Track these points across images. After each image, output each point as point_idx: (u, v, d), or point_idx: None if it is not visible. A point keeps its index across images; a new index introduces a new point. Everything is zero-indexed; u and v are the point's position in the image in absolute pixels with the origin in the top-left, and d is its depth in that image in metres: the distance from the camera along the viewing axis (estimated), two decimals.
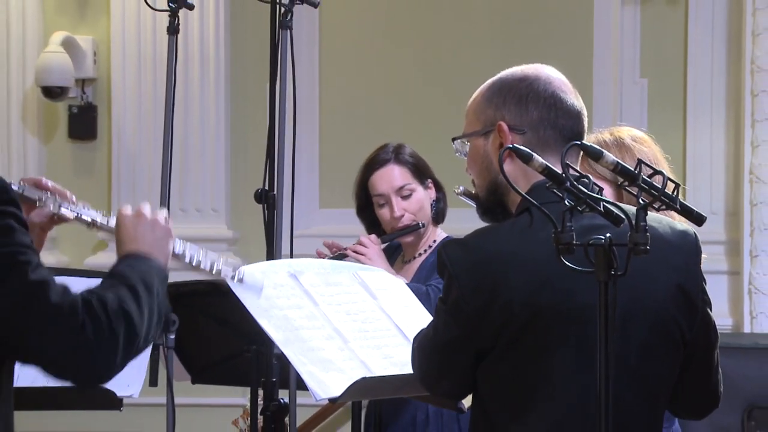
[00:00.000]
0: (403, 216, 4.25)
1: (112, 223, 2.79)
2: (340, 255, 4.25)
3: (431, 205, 4.29)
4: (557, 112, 2.73)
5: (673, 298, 2.69)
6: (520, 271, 2.60)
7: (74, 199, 2.88)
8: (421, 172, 4.29)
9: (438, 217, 4.33)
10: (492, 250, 2.63)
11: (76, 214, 2.85)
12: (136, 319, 2.53)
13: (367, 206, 4.35)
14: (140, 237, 2.71)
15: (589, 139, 3.04)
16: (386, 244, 4.31)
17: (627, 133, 3.40)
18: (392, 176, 4.28)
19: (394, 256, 4.38)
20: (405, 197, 4.27)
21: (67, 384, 2.53)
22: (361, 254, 4.22)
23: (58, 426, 5.89)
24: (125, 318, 2.51)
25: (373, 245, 4.25)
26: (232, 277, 3.04)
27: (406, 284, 3.70)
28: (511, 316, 2.59)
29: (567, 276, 2.38)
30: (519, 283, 2.59)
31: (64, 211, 2.82)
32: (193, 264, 2.96)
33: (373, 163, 4.33)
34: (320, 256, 4.27)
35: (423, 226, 4.25)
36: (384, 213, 4.28)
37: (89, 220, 2.83)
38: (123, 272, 2.62)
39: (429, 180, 4.32)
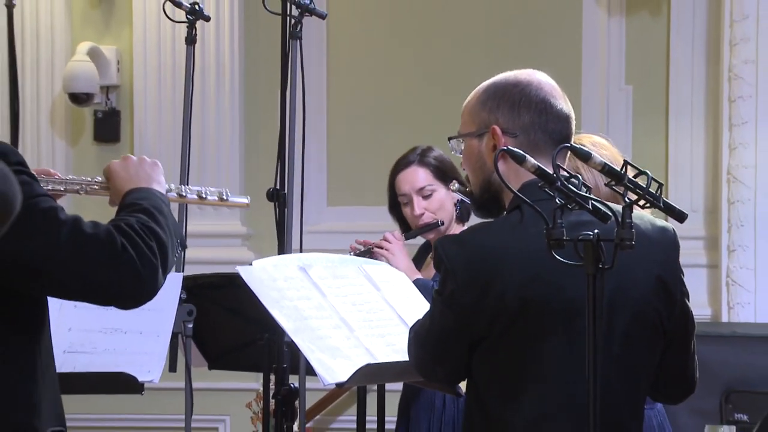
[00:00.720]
0: (423, 215, 4.26)
1: (100, 177, 2.80)
2: (367, 250, 4.27)
3: (455, 204, 4.27)
4: (547, 116, 2.73)
5: (654, 290, 2.69)
6: (511, 264, 2.60)
7: (59, 175, 2.88)
8: (444, 173, 4.27)
9: (463, 215, 4.31)
10: (485, 246, 2.63)
11: (64, 187, 2.86)
12: (162, 235, 2.54)
13: (396, 204, 4.36)
14: (133, 174, 2.71)
15: None
16: (409, 239, 4.32)
17: (588, 140, 3.39)
18: (414, 177, 4.27)
19: (427, 253, 4.38)
20: (426, 197, 4.26)
21: (117, 306, 2.52)
22: (385, 249, 4.24)
23: (82, 409, 5.89)
24: (154, 235, 2.51)
25: (396, 241, 4.27)
26: (220, 198, 3.04)
27: (415, 280, 3.71)
28: (503, 308, 2.59)
29: (556, 269, 2.38)
30: (511, 276, 2.59)
31: (53, 187, 2.83)
32: (182, 195, 2.96)
33: (399, 165, 4.33)
34: (353, 250, 4.28)
35: (442, 224, 4.25)
36: (407, 211, 4.30)
37: (77, 187, 2.82)
38: (131, 203, 2.62)
39: (454, 181, 4.31)
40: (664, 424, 3.52)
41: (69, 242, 2.43)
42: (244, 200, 3.11)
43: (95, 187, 2.87)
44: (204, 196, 3.06)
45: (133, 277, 2.46)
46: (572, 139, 2.76)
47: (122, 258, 2.45)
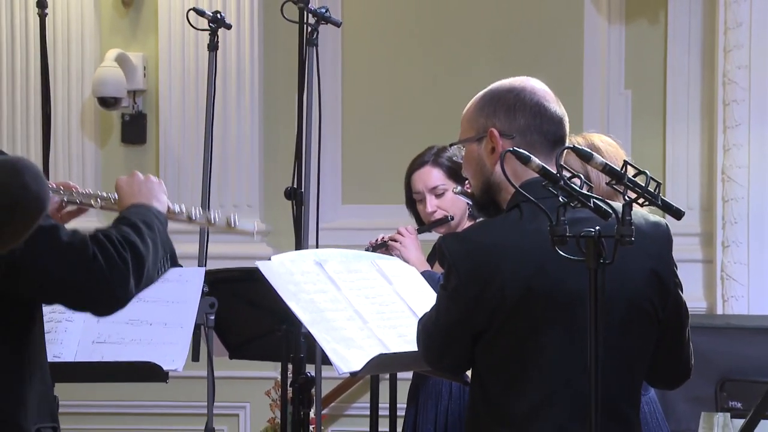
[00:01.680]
0: (435, 212, 4.25)
1: (114, 195, 2.80)
2: (383, 244, 4.27)
3: (468, 203, 4.26)
4: (542, 118, 2.73)
5: (648, 282, 2.68)
6: (511, 260, 2.60)
7: (80, 189, 2.88)
8: (457, 173, 4.25)
9: (475, 213, 4.30)
10: (486, 242, 2.63)
11: (80, 200, 2.86)
12: (140, 247, 2.53)
13: (412, 200, 4.36)
14: (136, 191, 2.72)
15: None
16: (421, 234, 4.32)
17: (597, 138, 3.41)
18: (428, 176, 4.27)
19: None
20: (438, 196, 4.26)
21: (89, 311, 2.52)
22: (398, 242, 4.24)
23: (109, 396, 5.90)
24: (130, 247, 2.51)
25: (409, 235, 4.26)
26: (228, 224, 3.02)
27: (422, 272, 3.70)
28: (503, 301, 2.59)
29: (555, 263, 2.38)
30: (511, 270, 2.59)
31: (68, 198, 2.83)
32: (192, 218, 2.95)
33: (414, 164, 4.33)
34: (371, 244, 4.27)
35: (452, 219, 4.24)
36: (421, 208, 4.30)
37: (92, 201, 2.82)
38: (123, 216, 2.63)
39: (467, 181, 4.29)
40: (655, 411, 3.51)
41: (45, 246, 2.44)
42: (250, 228, 3.09)
43: (111, 202, 2.87)
44: (213, 221, 3.03)
45: (100, 283, 2.46)
46: (568, 140, 2.77)
47: (91, 265, 2.45)
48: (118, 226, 2.57)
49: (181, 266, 3.61)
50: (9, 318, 2.50)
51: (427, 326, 2.74)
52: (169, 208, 2.83)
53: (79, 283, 2.45)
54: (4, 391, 2.48)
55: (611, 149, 3.38)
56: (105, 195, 2.87)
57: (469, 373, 2.96)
